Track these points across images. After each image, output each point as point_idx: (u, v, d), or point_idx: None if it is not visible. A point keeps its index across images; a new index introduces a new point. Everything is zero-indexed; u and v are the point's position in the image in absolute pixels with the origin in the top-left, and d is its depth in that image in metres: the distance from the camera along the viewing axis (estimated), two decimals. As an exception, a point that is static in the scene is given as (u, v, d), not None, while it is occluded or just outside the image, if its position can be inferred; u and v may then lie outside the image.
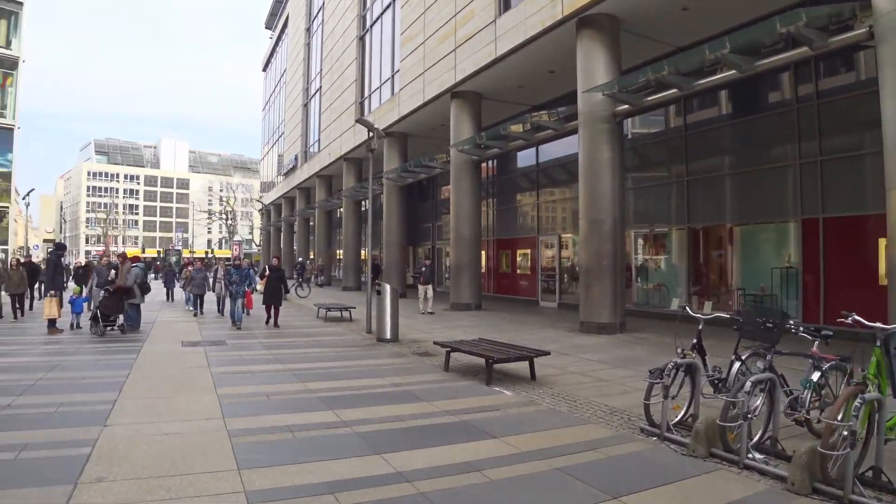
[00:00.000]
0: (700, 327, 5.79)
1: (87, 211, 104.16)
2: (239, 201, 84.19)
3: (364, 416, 5.89)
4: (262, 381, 7.61)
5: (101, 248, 72.98)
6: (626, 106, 12.69)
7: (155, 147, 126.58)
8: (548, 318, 15.95)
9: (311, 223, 40.19)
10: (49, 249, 23.33)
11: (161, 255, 48.98)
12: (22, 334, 12.51)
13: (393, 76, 23.21)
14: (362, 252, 34.45)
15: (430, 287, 17.00)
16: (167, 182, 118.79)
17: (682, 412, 5.50)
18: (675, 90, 11.82)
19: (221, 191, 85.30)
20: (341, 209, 31.94)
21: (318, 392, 6.90)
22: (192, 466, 4.38)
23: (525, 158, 21.15)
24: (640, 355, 9.63)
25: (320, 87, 34.32)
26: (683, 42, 13.54)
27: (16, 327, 13.67)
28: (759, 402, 4.73)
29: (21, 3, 26.95)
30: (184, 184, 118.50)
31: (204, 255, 62.53)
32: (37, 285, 19.56)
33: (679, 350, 5.47)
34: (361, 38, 27.38)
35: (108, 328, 12.14)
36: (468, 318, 15.63)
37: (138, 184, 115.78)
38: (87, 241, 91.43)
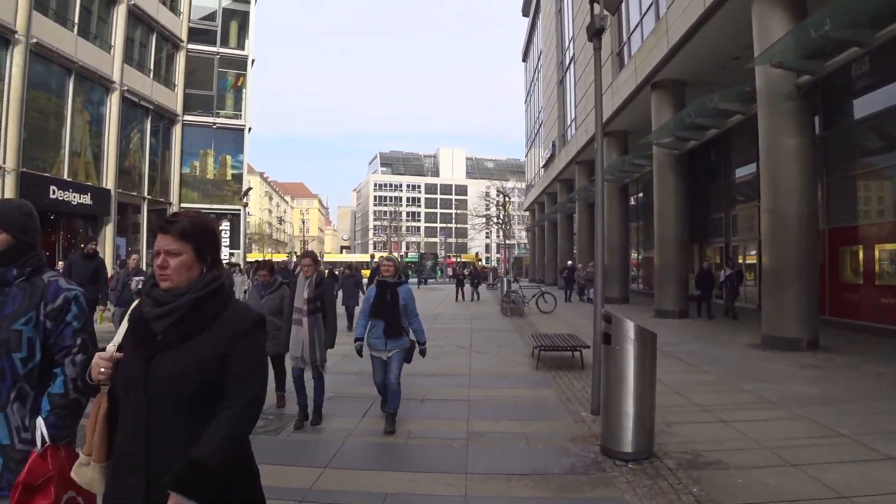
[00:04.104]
0: None
1: (374, 219, 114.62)
2: (515, 204, 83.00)
3: None
4: None
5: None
6: None
7: (434, 156, 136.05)
8: None
9: (575, 220, 34.34)
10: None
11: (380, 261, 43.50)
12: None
13: (657, -2, 16.28)
14: (633, 253, 27.63)
15: None
16: (446, 189, 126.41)
17: None
18: None
19: (498, 195, 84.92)
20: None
21: None
22: None
23: (878, 98, 12.31)
24: None
25: (573, 55, 28.66)
26: None
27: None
28: None
29: (249, 3, 26.88)
30: (462, 190, 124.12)
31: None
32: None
33: None
34: (616, -30, 20.83)
35: None
36: (805, 373, 8.25)
37: (419, 192, 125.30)
38: (374, 247, 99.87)
